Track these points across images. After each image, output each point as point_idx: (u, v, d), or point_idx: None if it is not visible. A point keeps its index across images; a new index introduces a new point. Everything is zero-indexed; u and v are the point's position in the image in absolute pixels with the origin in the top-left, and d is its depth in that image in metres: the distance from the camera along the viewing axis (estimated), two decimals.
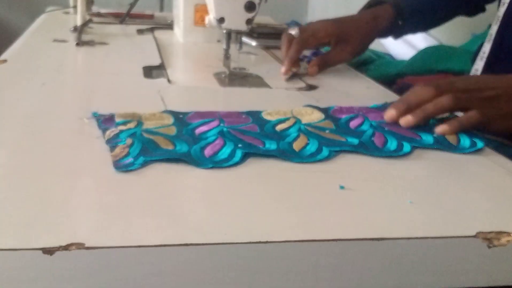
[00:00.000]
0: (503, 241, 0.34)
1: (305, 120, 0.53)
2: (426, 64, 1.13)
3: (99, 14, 1.15)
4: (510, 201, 0.41)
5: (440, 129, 0.51)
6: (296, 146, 0.46)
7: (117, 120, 0.49)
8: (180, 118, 0.51)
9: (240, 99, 0.65)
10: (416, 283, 0.34)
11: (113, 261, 0.30)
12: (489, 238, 0.34)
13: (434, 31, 1.60)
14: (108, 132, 0.46)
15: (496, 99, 0.52)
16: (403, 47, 1.64)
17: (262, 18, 1.26)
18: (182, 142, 0.45)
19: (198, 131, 0.48)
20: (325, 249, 0.32)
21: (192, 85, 0.71)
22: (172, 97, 0.61)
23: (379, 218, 0.36)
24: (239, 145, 0.45)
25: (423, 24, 0.86)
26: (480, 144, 0.49)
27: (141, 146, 0.43)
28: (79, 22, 0.93)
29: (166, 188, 0.38)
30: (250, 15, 0.69)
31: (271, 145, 0.46)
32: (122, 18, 1.12)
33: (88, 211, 0.34)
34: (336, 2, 2.18)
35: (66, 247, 0.29)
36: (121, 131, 0.46)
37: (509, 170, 0.46)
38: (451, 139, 0.50)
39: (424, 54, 1.25)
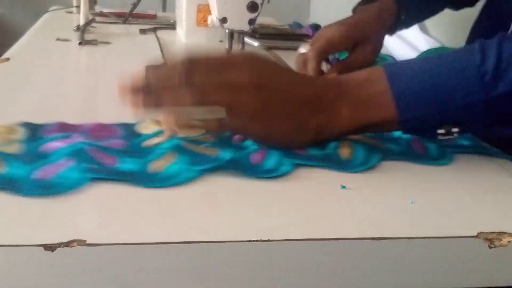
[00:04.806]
0: (504, 241, 0.34)
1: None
2: None
3: (101, 14, 1.15)
4: (511, 201, 0.41)
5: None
6: (155, 166, 0.39)
7: None
8: (35, 132, 0.44)
9: None
10: (417, 283, 0.34)
11: (114, 258, 0.30)
12: (490, 239, 0.34)
13: (436, 33, 1.60)
14: None
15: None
16: (405, 49, 1.65)
17: (265, 19, 1.27)
18: (17, 162, 0.38)
19: (45, 147, 0.41)
20: (326, 247, 0.32)
21: None
22: None
23: (380, 218, 0.36)
24: (89, 166, 0.38)
25: (418, 17, 0.84)
26: (374, 160, 0.44)
27: None
28: (82, 22, 0.93)
29: (167, 186, 0.38)
30: (252, 15, 0.69)
31: (127, 165, 0.39)
32: (124, 18, 1.12)
33: (90, 208, 0.34)
34: (338, 3, 2.18)
35: (67, 244, 0.29)
36: None
37: (511, 171, 0.46)
38: (345, 153, 0.45)
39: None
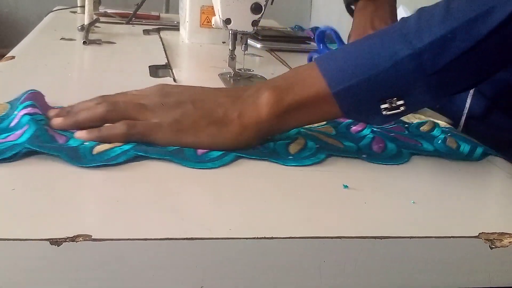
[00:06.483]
0: (506, 242, 0.35)
1: None
2: None
3: (106, 14, 1.16)
4: None
5: (78, 134, 0.43)
6: (99, 148, 0.42)
7: None
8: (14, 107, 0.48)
9: None
10: (418, 282, 0.35)
11: (119, 253, 0.30)
12: (492, 239, 0.35)
13: None
14: None
15: (162, 108, 0.45)
16: None
17: (267, 21, 1.27)
18: None
19: (15, 120, 0.45)
20: (328, 246, 0.33)
21: (198, 84, 0.72)
22: None
23: (382, 217, 0.36)
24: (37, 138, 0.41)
25: None
26: (322, 155, 0.44)
27: None
28: (86, 21, 0.94)
29: (172, 183, 0.38)
30: (256, 17, 0.70)
31: (75, 143, 0.42)
32: (128, 18, 1.13)
33: (96, 203, 0.34)
34: (339, 7, 2.18)
35: (73, 239, 0.29)
36: None
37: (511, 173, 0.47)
38: (294, 148, 0.45)
39: None
